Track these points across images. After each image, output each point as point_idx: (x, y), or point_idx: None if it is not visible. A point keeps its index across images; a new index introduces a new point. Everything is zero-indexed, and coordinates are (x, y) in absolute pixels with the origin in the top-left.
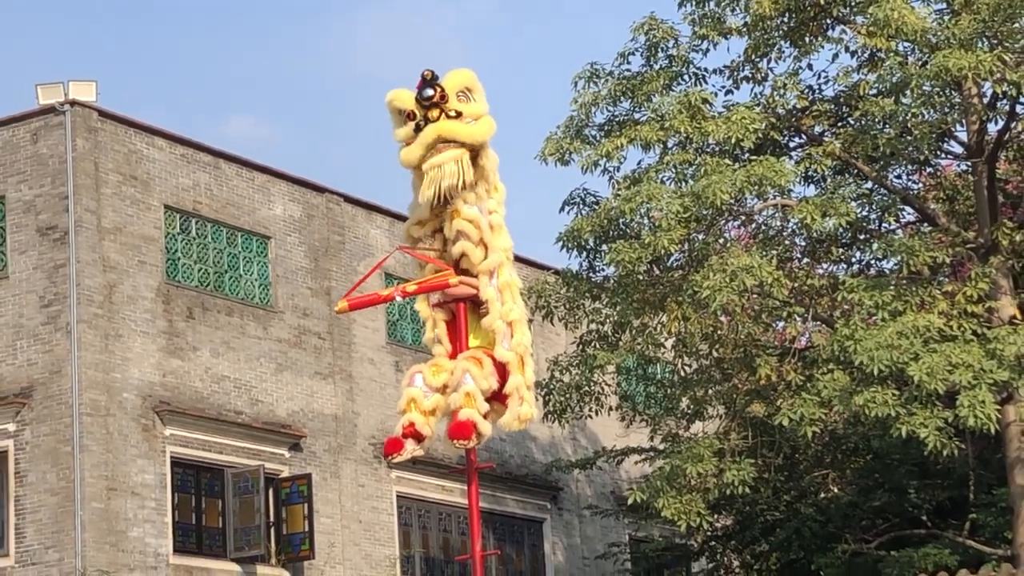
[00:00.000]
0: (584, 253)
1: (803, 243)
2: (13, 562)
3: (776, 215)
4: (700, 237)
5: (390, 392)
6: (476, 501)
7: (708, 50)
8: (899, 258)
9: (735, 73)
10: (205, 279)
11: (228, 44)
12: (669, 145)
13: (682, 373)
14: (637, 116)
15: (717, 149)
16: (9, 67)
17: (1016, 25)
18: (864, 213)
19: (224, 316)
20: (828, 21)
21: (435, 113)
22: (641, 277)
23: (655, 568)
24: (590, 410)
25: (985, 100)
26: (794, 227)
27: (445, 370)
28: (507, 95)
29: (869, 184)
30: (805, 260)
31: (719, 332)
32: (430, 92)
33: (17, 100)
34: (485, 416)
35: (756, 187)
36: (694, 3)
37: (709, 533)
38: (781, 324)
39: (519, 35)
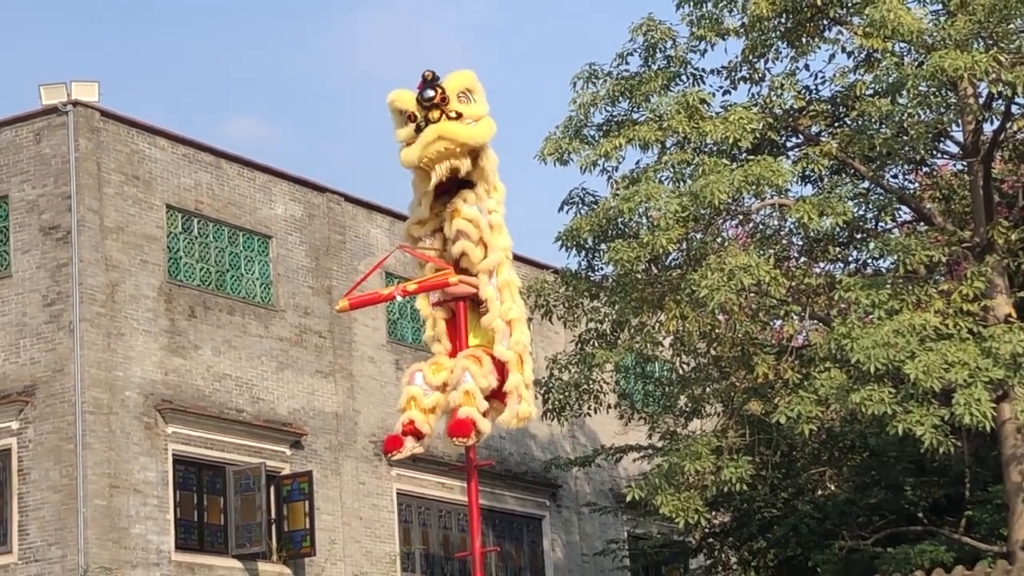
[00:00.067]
0: (583, 252)
1: (800, 242)
2: (16, 559)
3: (773, 214)
4: (698, 236)
5: (390, 390)
6: (476, 498)
7: (706, 51)
8: (895, 257)
9: (733, 73)
10: (207, 278)
11: (228, 44)
12: (667, 145)
13: (680, 371)
14: (635, 116)
15: (715, 149)
16: (11, 67)
17: (1011, 26)
18: (861, 212)
19: (226, 315)
20: (825, 22)
21: (436, 114)
22: (639, 276)
23: (653, 565)
24: (589, 408)
25: (981, 100)
26: (791, 226)
27: (445, 368)
28: (507, 95)
29: (866, 184)
30: (802, 259)
31: (717, 331)
32: (431, 93)
33: (20, 100)
34: (484, 414)
35: (753, 187)
36: (692, 4)
37: (707, 530)
38: (778, 323)
39: (519, 35)
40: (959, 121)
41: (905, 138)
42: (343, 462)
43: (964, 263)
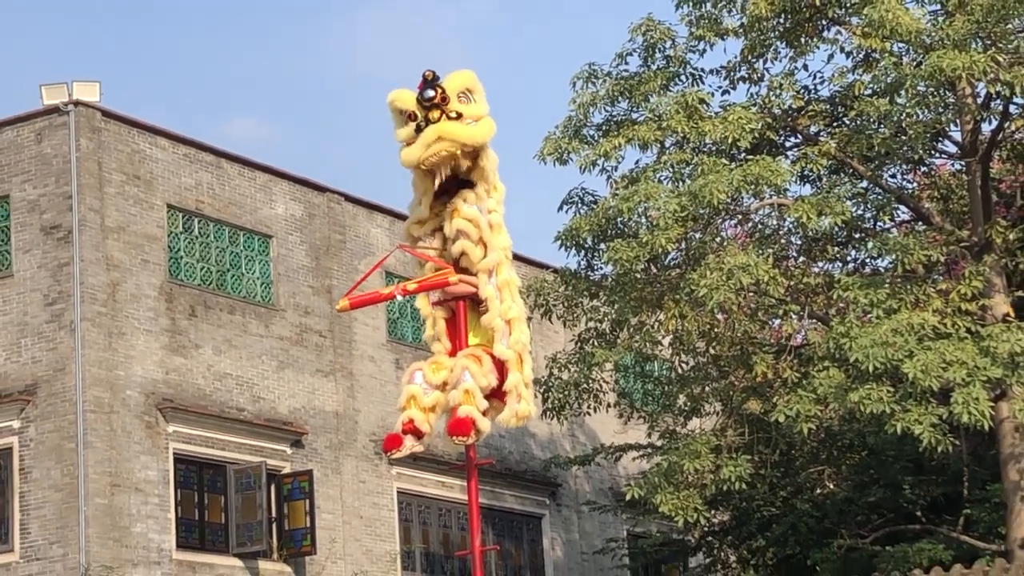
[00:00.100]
0: (582, 252)
1: (799, 242)
2: (18, 557)
3: (772, 214)
4: (697, 236)
5: (390, 389)
6: (476, 497)
7: (705, 51)
8: (894, 256)
9: (731, 73)
10: (207, 277)
11: (228, 44)
12: (666, 145)
13: (679, 370)
14: (635, 116)
15: (714, 149)
16: (12, 67)
17: (1009, 26)
18: (859, 212)
19: (226, 314)
20: (823, 22)
21: (436, 114)
22: (639, 275)
23: (653, 563)
24: (588, 407)
25: (979, 100)
26: (790, 226)
27: (445, 367)
28: (507, 95)
29: (864, 183)
30: (801, 259)
31: (716, 330)
32: (431, 93)
33: (21, 100)
34: (484, 413)
35: (752, 186)
36: (691, 4)
37: (706, 528)
38: (777, 322)
39: (519, 35)
40: (957, 121)
41: (903, 138)
42: (343, 461)
43: (962, 262)
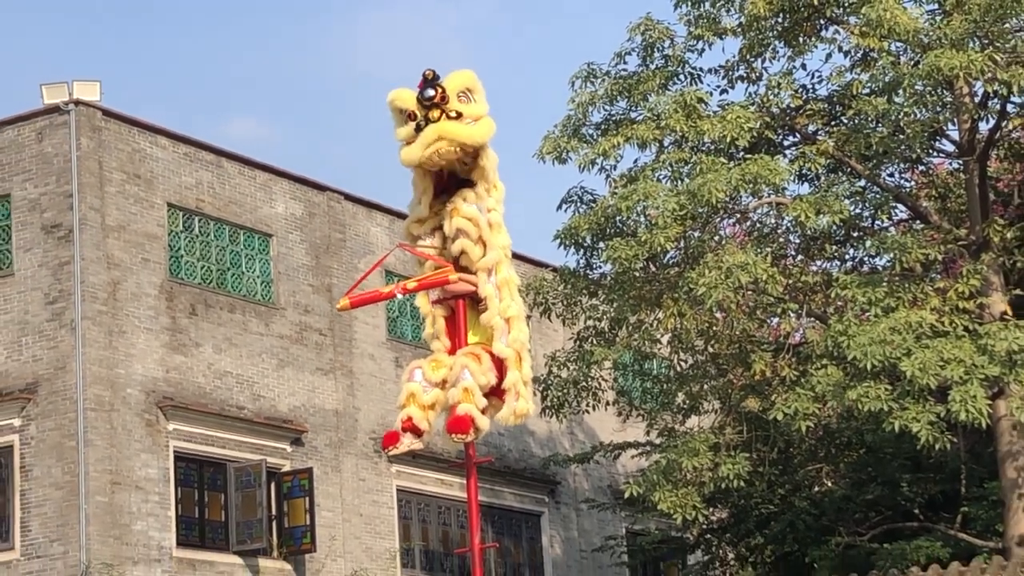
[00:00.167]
0: (581, 250)
1: (797, 240)
2: (19, 555)
3: (770, 213)
4: (696, 235)
5: (390, 387)
6: (475, 495)
7: (703, 50)
8: (892, 255)
9: (730, 73)
10: (208, 276)
11: (228, 44)
12: (665, 144)
13: (678, 369)
14: (633, 115)
15: (712, 148)
16: (12, 67)
17: (1007, 25)
18: (857, 211)
19: (226, 313)
20: (821, 21)
21: (436, 113)
22: (637, 274)
23: (651, 561)
24: (587, 405)
25: (976, 99)
26: (788, 225)
27: (444, 365)
28: (507, 95)
29: (862, 182)
30: (799, 257)
31: (714, 328)
32: (431, 93)
33: (21, 100)
34: (483, 411)
35: (751, 185)
36: (690, 4)
37: (705, 526)
38: (775, 320)
39: (519, 35)
40: (955, 120)
41: (901, 137)
42: (343, 459)
43: (960, 261)
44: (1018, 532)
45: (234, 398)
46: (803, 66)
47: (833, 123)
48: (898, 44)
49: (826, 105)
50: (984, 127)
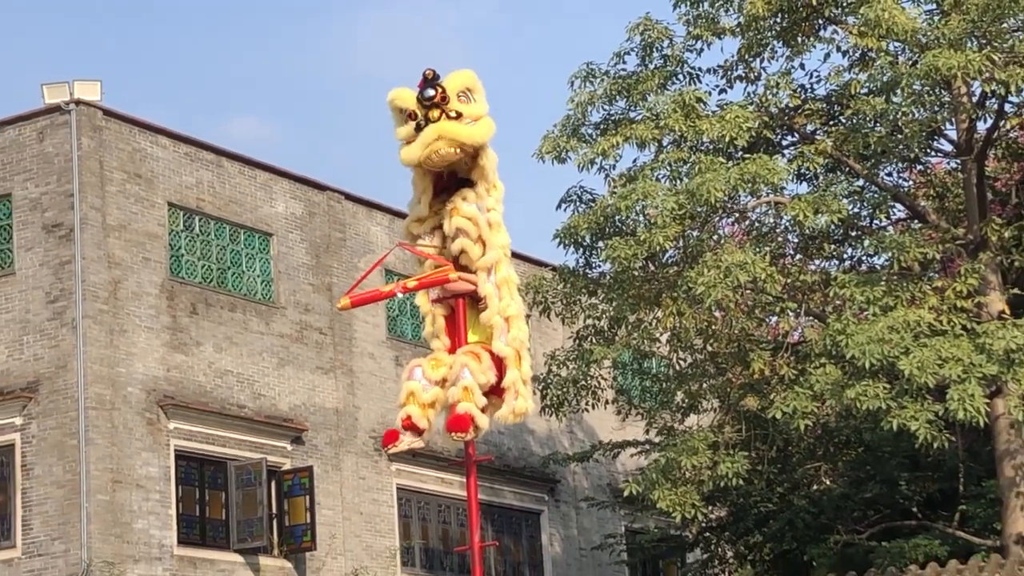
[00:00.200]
0: (581, 250)
1: (796, 240)
2: (20, 553)
3: (769, 212)
4: (695, 234)
5: (390, 386)
6: (475, 493)
7: (702, 50)
8: (890, 254)
9: (729, 72)
10: (208, 275)
11: (229, 44)
12: (664, 143)
13: (677, 367)
14: (632, 115)
15: (711, 147)
16: (13, 67)
17: (1004, 25)
18: (856, 210)
19: (227, 312)
20: (820, 21)
21: (436, 113)
22: (637, 273)
23: (651, 559)
24: (587, 404)
25: (974, 99)
26: (787, 224)
27: (444, 364)
28: (507, 95)
29: (860, 182)
30: (798, 256)
31: (713, 327)
32: (431, 92)
33: (23, 99)
34: (483, 410)
35: (749, 185)
36: (688, 4)
37: (703, 524)
38: (774, 319)
39: (519, 35)
40: (953, 120)
41: (899, 136)
42: (343, 457)
43: (958, 260)
44: (1016, 530)
45: (235, 397)
46: (801, 66)
47: (831, 123)
48: (896, 44)
49: (824, 105)
50: (982, 127)
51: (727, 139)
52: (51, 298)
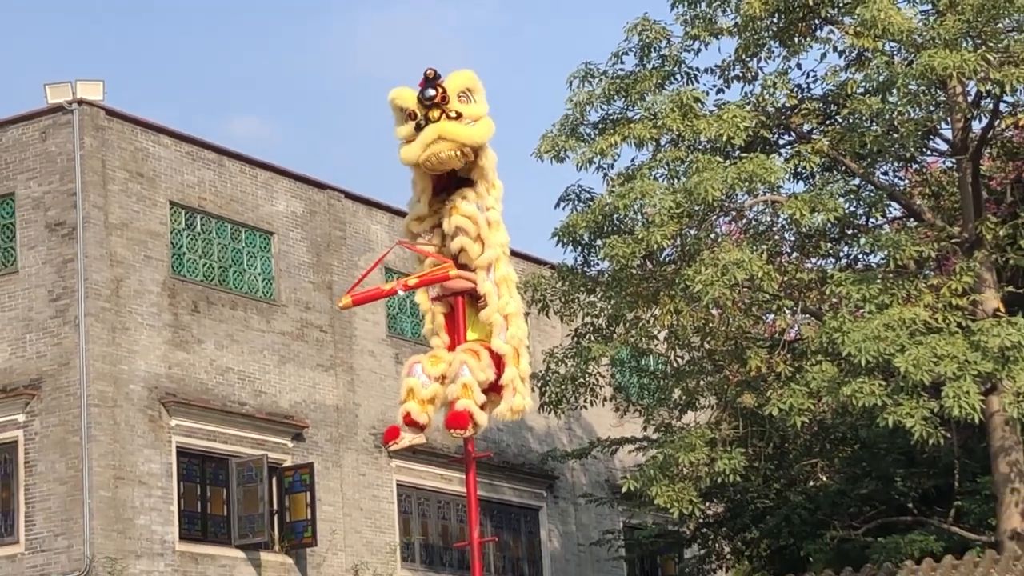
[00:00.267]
0: (579, 248)
1: (792, 238)
2: (23, 549)
3: (766, 211)
4: (692, 232)
5: (390, 383)
6: (474, 489)
7: (700, 50)
8: (886, 252)
9: (726, 72)
10: (210, 274)
11: (229, 44)
12: (662, 143)
13: (674, 365)
14: (630, 114)
15: (708, 146)
16: (16, 67)
17: (999, 25)
18: (852, 209)
19: (228, 310)
20: (816, 22)
21: (436, 113)
22: (635, 271)
23: (648, 555)
24: (585, 401)
25: (969, 99)
26: (784, 222)
27: (443, 360)
28: (507, 95)
29: (857, 180)
30: (794, 255)
31: (711, 325)
32: (432, 92)
33: (25, 99)
34: (482, 407)
35: (746, 183)
36: (686, 4)
37: (701, 520)
38: (771, 317)
39: (519, 35)
40: (948, 119)
41: (895, 136)
42: (344, 454)
43: (953, 258)
44: (1010, 526)
45: (236, 394)
46: (798, 66)
47: (828, 122)
48: (892, 44)
49: (821, 104)
50: (977, 126)
51: (724, 138)
52: (54, 296)
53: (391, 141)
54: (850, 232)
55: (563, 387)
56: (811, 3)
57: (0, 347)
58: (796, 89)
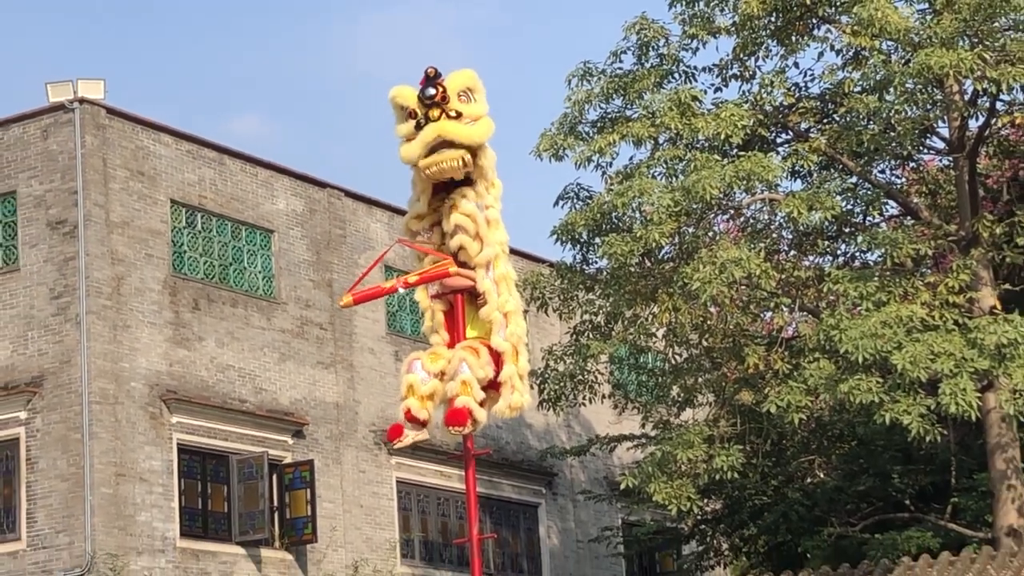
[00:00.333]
0: (578, 246)
1: (790, 236)
2: (25, 546)
3: (764, 209)
4: (690, 230)
5: (390, 381)
6: (473, 486)
7: (698, 49)
8: (883, 250)
9: (724, 71)
10: (210, 271)
11: (229, 44)
12: (660, 141)
13: (673, 362)
14: (629, 113)
15: (706, 145)
16: (17, 66)
17: (996, 24)
18: (849, 207)
19: (229, 307)
20: (814, 20)
21: (436, 112)
22: (633, 269)
23: (647, 551)
24: (584, 398)
25: (966, 97)
26: (781, 221)
27: (443, 357)
28: (507, 95)
29: (854, 179)
30: (792, 252)
31: (709, 322)
32: (432, 92)
33: (27, 98)
34: (481, 404)
35: (744, 182)
36: (684, 3)
37: (699, 517)
38: (769, 314)
39: (519, 35)
40: (945, 117)
41: (892, 134)
42: (344, 451)
43: (950, 256)
44: (1007, 522)
45: (236, 391)
46: (796, 64)
47: (825, 121)
48: (889, 43)
49: (818, 103)
50: (974, 124)
51: (722, 137)
52: (55, 294)
53: (391, 140)
54: (847, 230)
55: (562, 384)
56: (808, 2)
57: (2, 344)
58: (794, 88)
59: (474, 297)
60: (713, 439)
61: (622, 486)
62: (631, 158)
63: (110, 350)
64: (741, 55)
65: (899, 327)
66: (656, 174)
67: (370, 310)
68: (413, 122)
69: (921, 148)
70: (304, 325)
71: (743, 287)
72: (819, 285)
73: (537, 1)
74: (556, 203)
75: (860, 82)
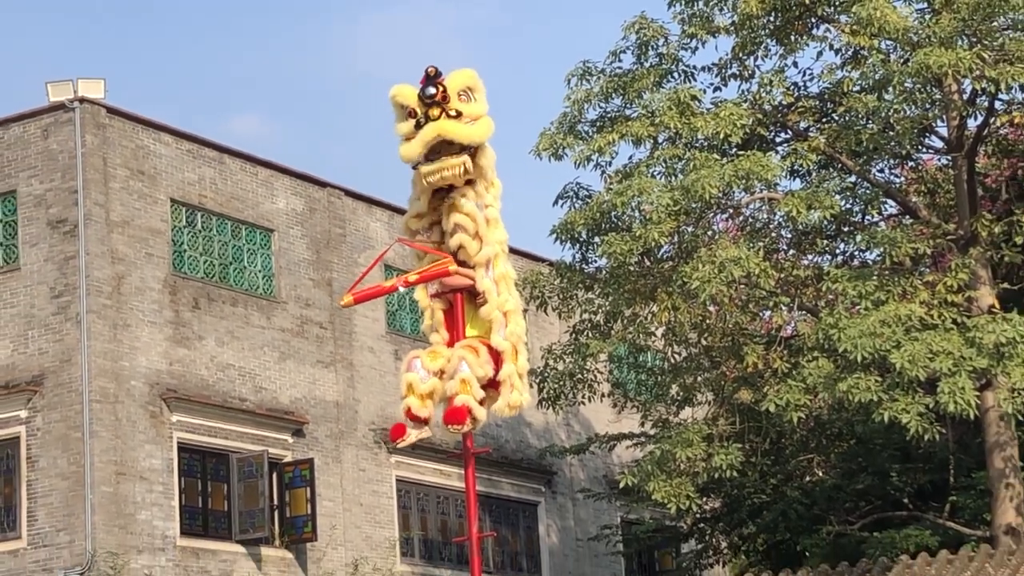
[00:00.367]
0: (577, 245)
1: (789, 235)
2: (25, 544)
3: (763, 208)
4: (689, 229)
5: (390, 379)
6: (473, 485)
7: (697, 48)
8: (882, 249)
9: (723, 70)
10: (210, 270)
11: (230, 44)
12: (659, 140)
13: (672, 361)
14: (628, 112)
15: (706, 144)
16: (17, 66)
17: (994, 24)
18: (848, 206)
19: (229, 306)
20: (813, 20)
21: (436, 112)
22: (632, 268)
23: (646, 549)
24: (583, 397)
25: (965, 96)
26: (780, 220)
27: (442, 355)
28: (507, 94)
29: (853, 178)
30: (791, 252)
31: (708, 321)
32: (432, 91)
33: (27, 97)
34: (481, 403)
35: (743, 181)
36: (683, 2)
37: (698, 515)
38: (768, 313)
39: (519, 35)
40: (944, 117)
41: (891, 133)
42: (344, 449)
43: (948, 255)
44: (1005, 521)
45: (236, 390)
46: (795, 64)
47: (824, 120)
48: (888, 42)
49: (817, 102)
50: (972, 124)
51: (721, 136)
52: (55, 293)
53: (391, 140)
54: (846, 229)
55: (561, 383)
56: (807, 2)
57: (2, 343)
58: (793, 87)
59: (473, 296)
60: (712, 438)
61: (621, 484)
62: (630, 157)
63: (110, 349)
64: (740, 54)
65: (898, 326)
66: (655, 173)
67: (370, 309)
68: (413, 121)
69: (920, 147)
70: (304, 324)
71: (742, 286)
72: (818, 284)
73: (537, 1)
74: (555, 202)
75: (859, 81)
